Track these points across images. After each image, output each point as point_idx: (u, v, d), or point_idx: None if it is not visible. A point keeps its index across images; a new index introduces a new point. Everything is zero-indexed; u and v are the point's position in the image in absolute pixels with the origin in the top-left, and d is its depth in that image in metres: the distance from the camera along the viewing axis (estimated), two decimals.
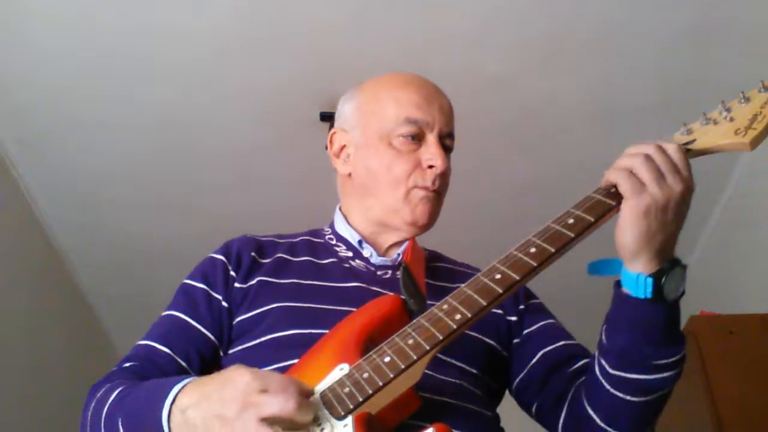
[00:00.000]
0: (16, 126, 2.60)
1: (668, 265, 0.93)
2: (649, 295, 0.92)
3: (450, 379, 1.07)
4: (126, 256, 3.12)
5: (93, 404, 1.02)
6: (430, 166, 1.17)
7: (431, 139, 1.18)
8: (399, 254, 1.21)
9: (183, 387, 0.90)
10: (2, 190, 2.73)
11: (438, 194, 1.19)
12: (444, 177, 1.20)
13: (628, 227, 0.91)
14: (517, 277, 0.91)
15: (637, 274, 0.93)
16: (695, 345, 1.98)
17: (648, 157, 0.91)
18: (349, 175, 1.26)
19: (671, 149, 0.93)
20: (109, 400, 0.99)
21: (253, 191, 2.86)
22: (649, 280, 0.92)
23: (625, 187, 0.91)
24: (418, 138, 1.18)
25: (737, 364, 1.92)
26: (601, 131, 2.59)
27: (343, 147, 1.26)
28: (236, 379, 0.85)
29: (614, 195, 0.93)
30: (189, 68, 2.41)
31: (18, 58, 2.36)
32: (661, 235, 0.92)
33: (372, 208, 1.22)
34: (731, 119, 0.97)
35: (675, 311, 0.95)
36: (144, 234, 3.01)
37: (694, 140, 0.98)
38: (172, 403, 0.89)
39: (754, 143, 0.93)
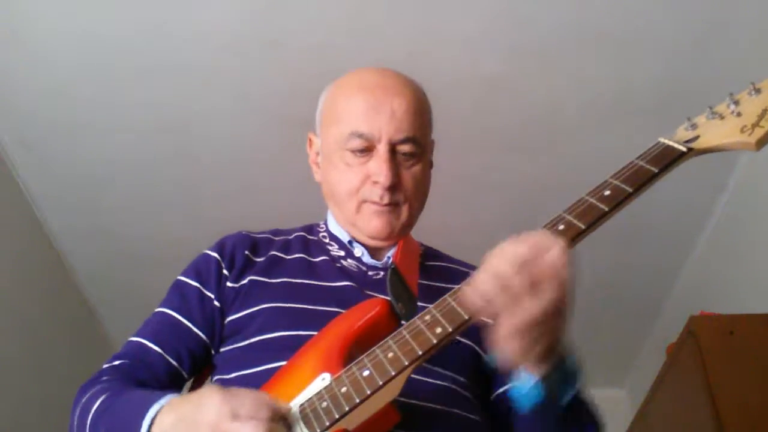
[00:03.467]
0: (16, 127, 2.60)
1: (554, 365, 0.88)
2: (539, 401, 0.88)
3: (437, 382, 1.06)
4: (126, 257, 3.11)
5: (79, 408, 1.04)
6: (376, 182, 1.14)
7: (380, 150, 1.14)
8: (389, 256, 1.20)
9: (161, 408, 0.91)
10: (2, 192, 2.73)
11: (393, 206, 1.16)
12: (400, 187, 1.16)
13: (501, 344, 0.86)
14: None
15: (521, 383, 0.89)
16: (695, 345, 1.97)
17: (505, 287, 0.82)
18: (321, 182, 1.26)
19: (553, 253, 0.83)
20: (94, 408, 1.00)
21: (254, 192, 2.86)
22: (536, 388, 0.88)
23: (484, 314, 0.84)
24: (368, 150, 1.15)
25: (737, 364, 1.92)
26: (601, 132, 2.59)
27: (317, 153, 1.26)
28: (208, 404, 0.85)
29: None
30: (189, 70, 2.41)
31: (19, 59, 2.36)
32: (540, 345, 0.85)
33: (338, 217, 1.23)
34: (738, 114, 0.90)
35: (573, 402, 0.92)
36: (145, 235, 3.00)
37: (698, 137, 0.92)
38: (151, 424, 0.90)
39: (761, 143, 0.86)
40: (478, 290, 0.84)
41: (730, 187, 2.72)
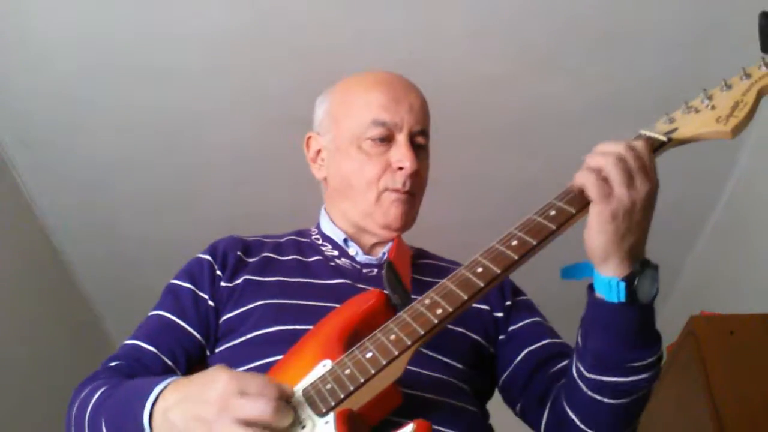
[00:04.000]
0: (16, 127, 2.60)
1: (639, 267, 0.91)
2: (623, 299, 0.90)
3: (435, 375, 1.06)
4: (126, 257, 3.12)
5: (77, 404, 1.03)
6: (400, 168, 1.17)
7: (401, 139, 1.18)
8: (384, 253, 1.21)
9: (164, 388, 0.91)
10: (2, 192, 2.73)
11: (411, 195, 1.19)
12: (417, 176, 1.19)
13: (597, 231, 0.89)
14: (498, 271, 0.90)
15: (609, 278, 0.91)
16: (695, 345, 1.97)
17: (619, 159, 0.89)
18: (326, 179, 1.27)
19: (640, 147, 0.92)
20: (93, 400, 1.00)
21: (254, 193, 2.86)
22: (622, 284, 0.90)
23: (592, 192, 0.89)
24: (387, 140, 1.18)
25: (737, 364, 1.92)
26: (600, 131, 2.58)
27: (318, 151, 1.27)
28: (215, 381, 0.85)
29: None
30: (189, 70, 2.41)
31: (19, 59, 2.36)
32: (631, 237, 0.90)
33: (348, 211, 1.24)
34: (713, 107, 0.96)
35: (649, 313, 0.94)
36: (144, 235, 3.01)
37: (676, 129, 0.97)
38: (153, 404, 0.89)
39: (736, 131, 0.92)
40: (594, 165, 0.90)
41: (729, 187, 2.72)
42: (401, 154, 1.17)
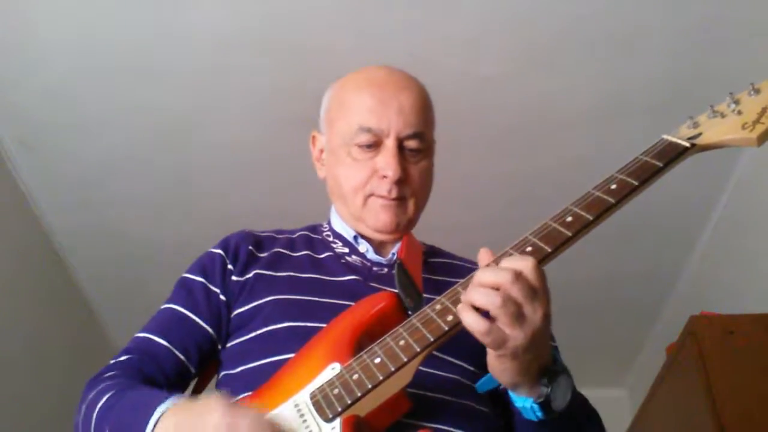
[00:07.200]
0: (16, 125, 2.60)
1: (548, 382, 0.89)
2: (540, 417, 0.90)
3: (447, 375, 1.06)
4: (126, 256, 3.12)
5: (84, 406, 1.03)
6: (385, 176, 1.15)
7: (388, 145, 1.14)
8: (394, 252, 1.20)
9: (165, 411, 0.91)
10: (2, 191, 2.73)
11: (401, 200, 1.17)
12: (407, 182, 1.16)
13: (501, 370, 0.87)
14: None
15: (523, 401, 0.90)
16: (695, 345, 1.97)
17: (506, 300, 0.81)
18: (325, 179, 1.26)
19: (528, 271, 0.84)
20: (98, 406, 1.00)
21: (253, 192, 2.86)
22: (536, 406, 0.89)
23: (485, 342, 0.83)
24: (375, 145, 1.15)
25: (737, 364, 1.92)
26: (601, 131, 2.59)
27: (321, 151, 1.27)
28: (208, 416, 0.85)
29: None
30: (189, 69, 2.41)
31: (18, 57, 2.36)
32: (537, 362, 0.87)
33: (343, 213, 1.23)
34: (739, 112, 0.93)
35: (570, 410, 0.92)
36: (144, 234, 3.00)
37: (700, 134, 0.94)
38: (154, 427, 0.90)
39: (762, 139, 0.88)
40: (479, 304, 0.83)
41: (730, 187, 2.72)
42: (385, 162, 1.14)
